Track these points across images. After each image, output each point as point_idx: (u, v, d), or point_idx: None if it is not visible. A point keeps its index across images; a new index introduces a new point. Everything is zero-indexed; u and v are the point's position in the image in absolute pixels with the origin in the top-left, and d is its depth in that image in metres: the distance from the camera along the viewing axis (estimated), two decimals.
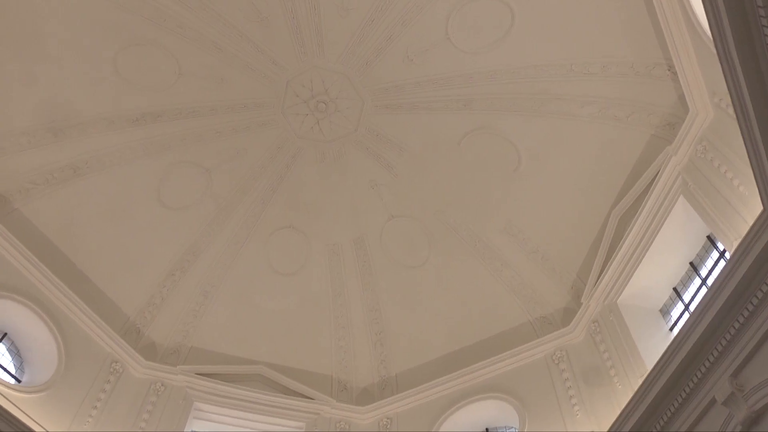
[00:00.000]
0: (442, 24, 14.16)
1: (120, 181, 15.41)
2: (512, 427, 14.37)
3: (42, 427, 12.40)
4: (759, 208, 9.20)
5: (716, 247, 12.16)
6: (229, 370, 15.74)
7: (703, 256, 12.61)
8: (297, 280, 17.02)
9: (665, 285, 13.23)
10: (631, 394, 11.46)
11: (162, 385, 14.97)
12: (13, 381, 13.19)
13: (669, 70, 12.31)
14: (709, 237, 12.34)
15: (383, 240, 16.93)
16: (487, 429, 14.90)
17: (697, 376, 9.87)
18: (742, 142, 8.26)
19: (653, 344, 12.60)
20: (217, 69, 15.04)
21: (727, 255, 11.17)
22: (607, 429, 11.60)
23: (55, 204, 14.64)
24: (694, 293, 12.64)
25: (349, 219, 17.00)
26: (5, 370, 13.23)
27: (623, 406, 11.40)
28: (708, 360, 9.69)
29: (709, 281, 12.13)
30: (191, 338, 16.08)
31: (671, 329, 13.02)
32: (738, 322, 9.21)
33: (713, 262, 12.24)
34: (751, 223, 9.38)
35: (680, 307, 12.99)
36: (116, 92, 14.71)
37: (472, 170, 15.87)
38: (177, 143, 15.69)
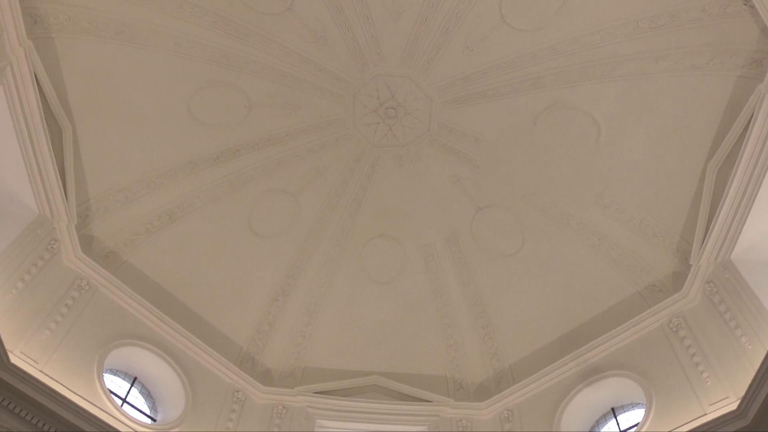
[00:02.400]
0: (495, 8, 13.97)
1: (212, 219, 16.07)
2: (639, 403, 13.87)
3: None
4: None
5: None
6: (345, 385, 16.03)
7: None
8: (396, 286, 17.17)
9: None
10: (764, 353, 10.81)
11: (283, 407, 15.45)
12: (149, 421, 14.05)
13: (745, 3, 11.63)
14: None
15: (475, 233, 16.81)
16: (612, 409, 14.46)
17: None
18: None
19: None
20: (284, 95, 15.45)
21: None
22: (743, 393, 11.00)
23: (158, 250, 15.43)
24: None
25: (438, 218, 16.99)
26: (141, 411, 14.10)
27: (757, 366, 10.77)
28: None
29: None
30: (303, 359, 16.52)
31: None
32: None
33: None
34: None
35: None
36: (194, 136, 15.36)
37: (552, 148, 15.54)
38: (259, 173, 16.22)
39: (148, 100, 14.50)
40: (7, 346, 11.24)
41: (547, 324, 16.02)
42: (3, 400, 11.06)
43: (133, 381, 14.45)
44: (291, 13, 14.20)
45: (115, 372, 14.14)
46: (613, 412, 14.42)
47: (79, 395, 12.26)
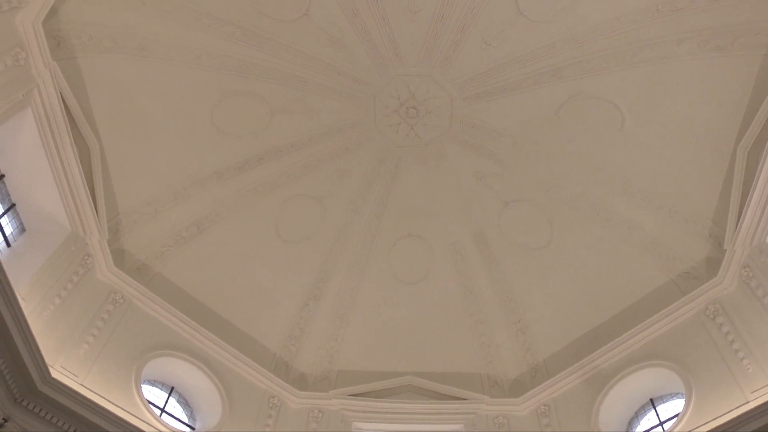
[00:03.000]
0: (512, 0, 13.87)
1: (240, 227, 16.22)
2: (678, 393, 13.65)
3: None
4: None
5: None
6: (379, 386, 16.05)
7: None
8: (426, 286, 17.14)
9: None
10: None
11: (319, 411, 15.52)
12: (188, 429, 14.24)
13: None
14: None
15: (502, 228, 16.71)
16: (651, 400, 14.26)
17: None
18: None
19: None
20: (305, 101, 15.54)
21: None
22: None
23: (188, 261, 15.62)
24: None
25: (464, 215, 16.92)
26: (180, 420, 14.29)
27: None
28: None
29: None
30: (336, 362, 16.59)
31: None
32: None
33: None
34: None
35: None
36: (218, 146, 15.51)
37: (576, 139, 15.37)
38: (284, 179, 16.33)
39: (171, 113, 14.69)
40: (48, 361, 11.49)
41: (580, 316, 15.85)
42: (46, 413, 11.31)
43: (171, 391, 14.65)
44: (307, 18, 14.28)
45: (152, 383, 14.35)
46: (652, 403, 14.22)
47: (118, 407, 12.47)
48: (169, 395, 14.56)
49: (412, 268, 17.13)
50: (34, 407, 11.26)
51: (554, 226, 16.28)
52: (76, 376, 12.21)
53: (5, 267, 10.31)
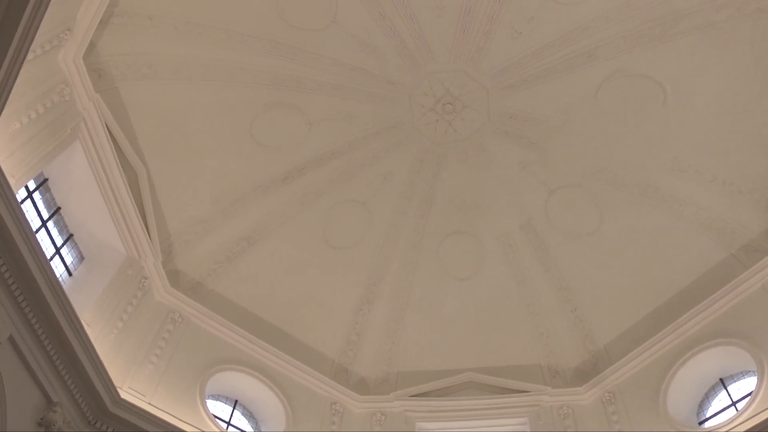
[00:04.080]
0: None
1: (289, 238, 16.42)
2: (750, 371, 13.18)
3: None
4: None
5: None
6: (440, 385, 16.01)
7: None
8: (478, 280, 17.04)
9: None
10: None
11: (382, 414, 15.56)
12: None
13: None
14: None
15: (550, 217, 16.49)
16: (721, 380, 13.81)
17: None
18: None
19: None
20: (341, 107, 15.64)
21: None
22: None
23: (240, 276, 15.89)
24: None
25: (510, 206, 16.77)
26: None
27: None
28: None
29: None
30: (395, 364, 16.62)
31: None
32: None
33: None
34: None
35: None
36: (260, 160, 15.75)
37: (617, 118, 15.06)
38: (328, 187, 16.47)
39: (211, 132, 14.99)
40: (116, 382, 11.88)
41: (638, 299, 15.48)
42: None
43: (235, 404, 14.92)
44: (336, 26, 14.37)
45: (216, 397, 14.65)
46: (723, 383, 13.77)
47: (187, 423, 12.80)
48: (234, 408, 14.84)
49: (463, 264, 17.04)
50: (107, 428, 11.67)
51: (603, 209, 15.98)
52: (144, 395, 12.57)
53: (69, 296, 10.71)
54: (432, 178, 16.74)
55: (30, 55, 9.72)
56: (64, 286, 10.80)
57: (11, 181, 9.70)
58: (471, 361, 16.44)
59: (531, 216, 16.63)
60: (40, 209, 12.43)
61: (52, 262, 11.18)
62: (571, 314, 16.25)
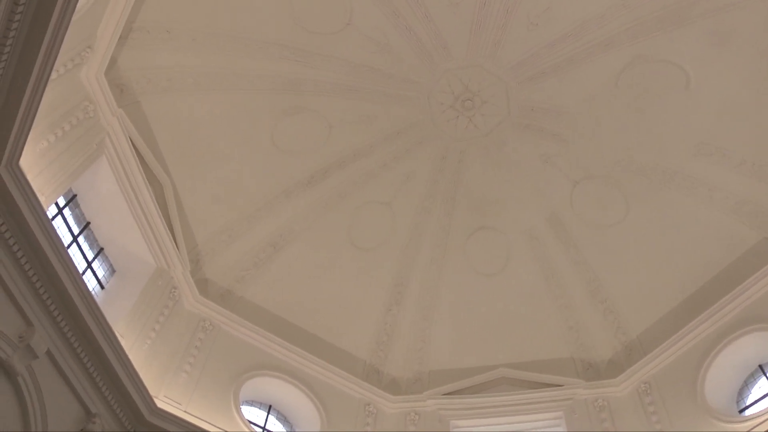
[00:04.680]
0: None
1: (314, 241, 16.50)
2: None
3: None
4: None
5: None
6: (472, 382, 15.96)
7: None
8: (506, 276, 16.96)
9: None
10: None
11: (415, 414, 15.54)
12: None
13: None
14: None
15: (575, 208, 16.34)
16: (760, 366, 13.52)
17: None
18: None
19: None
20: (360, 109, 15.69)
21: None
22: None
23: (268, 281, 16.00)
24: None
25: (535, 200, 16.65)
26: None
27: None
28: None
29: None
30: (427, 362, 16.58)
31: None
32: None
33: None
34: None
35: None
36: (283, 165, 15.86)
37: (639, 106, 14.88)
38: (351, 189, 16.53)
39: (233, 140, 15.12)
40: (152, 392, 12.04)
41: (670, 287, 15.24)
42: None
43: (269, 409, 15.02)
44: (351, 28, 14.42)
45: (250, 403, 14.76)
46: (762, 370, 13.48)
47: (223, 429, 12.93)
48: (268, 413, 14.94)
49: (490, 260, 16.97)
50: None
51: (629, 199, 15.79)
52: (180, 404, 12.72)
53: (102, 308, 10.89)
54: (454, 175, 16.70)
55: (53, 75, 9.90)
56: (97, 299, 10.99)
57: (41, 199, 9.89)
58: (502, 356, 16.35)
59: (556, 209, 16.49)
60: (71, 225, 12.66)
61: (84, 276, 11.38)
62: (601, 306, 16.06)
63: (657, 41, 13.94)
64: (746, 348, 13.43)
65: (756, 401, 13.25)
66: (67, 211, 12.59)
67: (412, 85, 15.52)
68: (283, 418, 15.15)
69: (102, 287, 13.29)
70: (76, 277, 10.15)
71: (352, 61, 14.94)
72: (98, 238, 13.44)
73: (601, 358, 15.81)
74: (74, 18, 8.41)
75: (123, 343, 11.55)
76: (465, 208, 16.92)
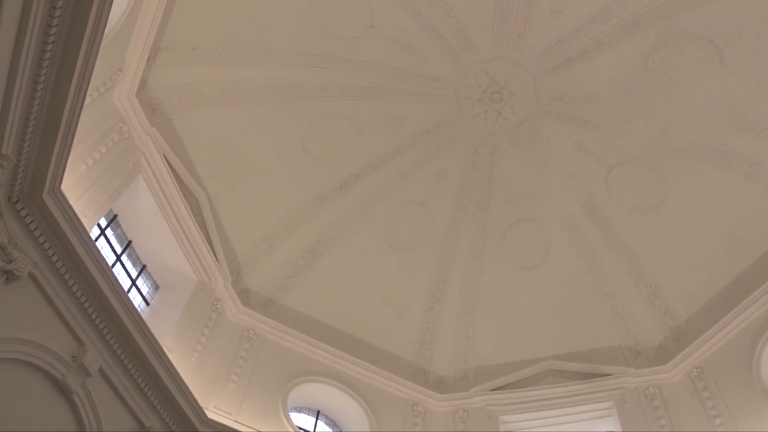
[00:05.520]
0: None
1: (352, 245, 16.59)
2: None
3: None
4: None
5: None
6: (519, 376, 15.83)
7: None
8: (547, 267, 16.79)
9: None
10: None
11: (464, 411, 15.47)
12: None
13: None
14: None
15: (612, 194, 16.07)
16: None
17: None
18: None
19: None
20: (389, 110, 15.71)
21: None
22: None
23: (309, 287, 16.12)
24: None
25: (571, 188, 16.44)
26: None
27: None
28: None
29: None
30: (472, 359, 16.50)
31: None
32: None
33: None
34: None
35: None
36: (315, 172, 15.98)
37: (671, 85, 14.54)
38: (384, 190, 16.57)
39: (264, 150, 15.30)
40: (202, 403, 12.24)
41: (717, 268, 14.86)
42: None
43: (317, 414, 15.13)
44: (373, 30, 14.45)
45: (299, 409, 14.89)
46: None
47: None
48: (317, 419, 15.05)
49: (530, 252, 16.82)
50: None
51: (667, 180, 15.46)
52: (230, 413, 12.91)
53: (149, 324, 11.13)
54: (488, 169, 16.59)
55: (87, 100, 10.14)
56: (144, 316, 11.23)
57: (84, 221, 10.15)
58: (548, 348, 16.16)
59: (592, 195, 16.25)
60: (113, 244, 12.96)
61: (129, 294, 11.63)
62: (647, 291, 15.74)
63: (685, 17, 13.57)
64: None
65: None
66: (109, 231, 12.90)
67: (439, 82, 15.48)
68: (332, 423, 15.24)
69: (147, 303, 13.57)
70: (122, 296, 10.39)
71: (377, 62, 14.97)
72: (140, 256, 13.74)
73: (650, 345, 15.50)
74: (103, 43, 8.61)
75: (171, 357, 11.77)
76: (501, 202, 16.80)
